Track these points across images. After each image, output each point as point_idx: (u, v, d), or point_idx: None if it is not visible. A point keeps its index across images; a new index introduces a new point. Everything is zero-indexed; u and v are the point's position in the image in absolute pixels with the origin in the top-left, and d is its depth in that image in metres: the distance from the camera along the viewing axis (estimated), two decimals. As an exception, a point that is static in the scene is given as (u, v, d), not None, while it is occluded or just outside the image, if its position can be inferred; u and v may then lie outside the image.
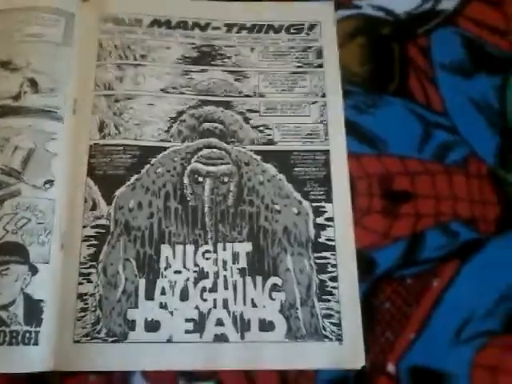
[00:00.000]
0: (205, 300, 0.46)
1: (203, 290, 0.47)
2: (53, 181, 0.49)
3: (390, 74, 0.55)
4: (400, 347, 0.46)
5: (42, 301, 0.45)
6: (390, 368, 0.46)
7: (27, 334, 0.44)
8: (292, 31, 0.56)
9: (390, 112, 0.53)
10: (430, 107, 0.54)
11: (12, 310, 0.45)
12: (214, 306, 0.46)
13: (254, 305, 0.47)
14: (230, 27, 0.56)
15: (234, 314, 0.46)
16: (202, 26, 0.55)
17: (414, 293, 0.48)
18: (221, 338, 0.46)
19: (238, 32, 0.55)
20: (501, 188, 0.51)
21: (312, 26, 0.56)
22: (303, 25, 0.56)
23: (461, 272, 0.48)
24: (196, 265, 0.47)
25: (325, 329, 0.46)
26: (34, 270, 0.46)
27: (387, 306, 0.47)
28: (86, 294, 0.46)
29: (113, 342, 0.45)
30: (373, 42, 0.56)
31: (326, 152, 0.51)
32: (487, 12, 0.58)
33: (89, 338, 0.45)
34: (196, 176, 0.50)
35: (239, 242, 0.48)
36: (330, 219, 0.49)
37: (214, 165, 0.50)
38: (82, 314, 0.46)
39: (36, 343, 0.44)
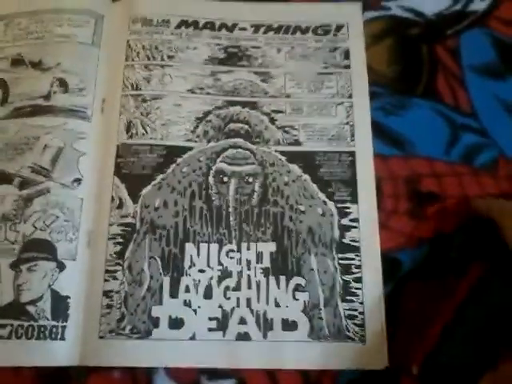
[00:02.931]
0: (228, 299, 0.47)
1: (227, 288, 0.47)
2: (81, 179, 0.50)
3: (418, 76, 0.55)
4: (424, 349, 0.46)
5: (68, 297, 0.46)
6: (414, 370, 0.45)
7: (54, 329, 0.45)
8: (319, 32, 0.56)
9: (417, 114, 0.53)
10: (458, 109, 0.53)
11: (40, 305, 0.46)
12: (238, 305, 0.46)
13: (277, 304, 0.47)
14: (256, 28, 0.56)
15: (257, 313, 0.46)
16: (228, 27, 0.56)
17: (439, 295, 0.47)
18: (243, 337, 0.46)
19: (264, 33, 0.56)
20: (530, 190, 0.50)
21: (339, 27, 0.56)
22: (330, 26, 0.56)
23: (487, 274, 0.47)
24: (220, 264, 0.48)
25: (348, 329, 0.46)
26: (61, 267, 0.47)
27: (412, 308, 0.47)
28: (111, 291, 0.47)
29: (137, 338, 0.45)
30: (401, 43, 0.56)
31: (352, 153, 0.51)
32: (518, 12, 0.57)
33: (114, 334, 0.46)
34: (221, 176, 0.50)
35: (263, 241, 0.48)
36: (355, 220, 0.49)
37: (238, 165, 0.51)
38: (108, 310, 0.46)
39: (62, 338, 0.45)
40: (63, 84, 0.52)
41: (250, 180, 0.50)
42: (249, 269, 0.48)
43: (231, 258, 0.48)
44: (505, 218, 0.45)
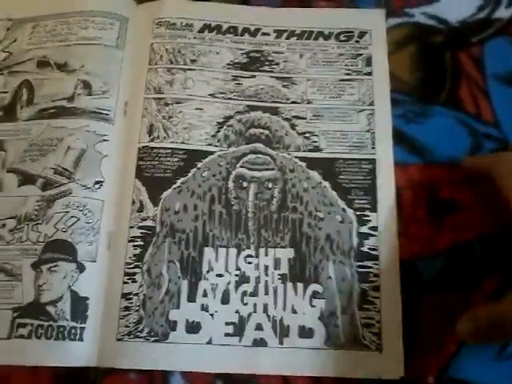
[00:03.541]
0: (245, 304, 0.47)
1: (244, 294, 0.47)
2: (102, 181, 0.50)
3: (441, 84, 0.54)
4: (441, 359, 0.46)
5: (87, 298, 0.47)
6: (430, 380, 0.45)
7: (73, 330, 0.46)
8: (342, 38, 0.55)
9: (438, 122, 0.53)
10: (480, 118, 0.53)
11: (60, 305, 0.46)
12: (254, 311, 0.47)
13: (293, 311, 0.47)
14: (279, 33, 0.56)
15: (273, 319, 0.46)
16: (251, 32, 0.56)
17: (457, 305, 0.46)
18: (260, 343, 0.46)
19: (287, 38, 0.56)
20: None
21: (362, 34, 0.55)
22: (353, 32, 0.56)
23: (506, 285, 0.47)
24: (238, 269, 0.48)
25: (364, 338, 0.46)
26: (81, 268, 0.47)
27: (429, 318, 0.47)
28: (130, 294, 0.47)
29: (154, 341, 0.46)
30: (423, 51, 0.55)
31: (372, 161, 0.51)
32: (544, 20, 0.56)
33: (131, 337, 0.46)
34: (241, 181, 0.50)
35: (281, 247, 0.48)
36: (374, 228, 0.49)
37: (258, 170, 0.51)
38: (126, 312, 0.47)
39: (81, 339, 0.46)
40: (87, 86, 0.53)
41: (270, 186, 0.50)
42: (266, 274, 0.48)
43: (249, 263, 0.48)
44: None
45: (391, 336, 0.46)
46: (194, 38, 0.55)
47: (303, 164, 0.51)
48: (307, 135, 0.52)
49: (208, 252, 0.48)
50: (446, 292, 0.47)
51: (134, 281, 0.47)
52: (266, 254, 0.48)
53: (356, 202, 0.50)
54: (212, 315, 0.47)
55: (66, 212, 0.49)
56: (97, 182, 0.50)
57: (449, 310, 0.46)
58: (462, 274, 0.48)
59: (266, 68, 0.54)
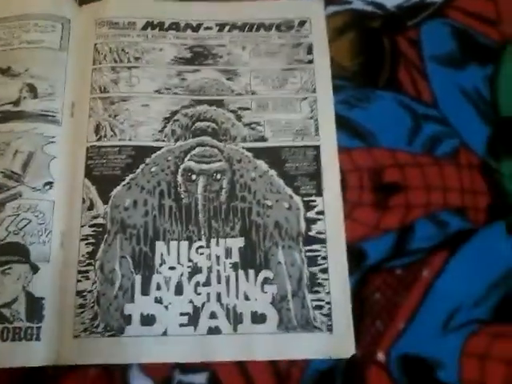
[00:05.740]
0: (199, 294, 0.48)
1: (197, 284, 0.48)
2: (52, 182, 0.50)
3: (380, 68, 0.55)
4: (390, 336, 0.47)
5: (42, 298, 0.47)
6: (380, 357, 0.46)
7: (29, 330, 0.46)
8: (282, 29, 0.56)
9: (379, 106, 0.54)
10: (420, 100, 0.54)
11: (14, 307, 0.47)
12: (208, 300, 0.48)
13: (246, 298, 0.48)
14: (221, 27, 0.56)
15: (227, 307, 0.47)
16: (194, 27, 0.56)
17: (403, 283, 0.48)
18: (214, 331, 0.47)
19: (229, 31, 0.56)
20: (491, 178, 0.51)
21: (302, 23, 0.56)
22: (293, 22, 0.57)
23: (451, 261, 0.49)
24: (190, 260, 0.49)
25: (315, 320, 0.47)
26: (35, 269, 0.48)
27: (377, 297, 0.48)
28: (84, 291, 0.48)
29: (110, 336, 0.46)
30: (363, 37, 0.57)
31: (317, 147, 0.52)
32: (477, 2, 0.58)
33: (87, 333, 0.46)
34: (189, 174, 0.51)
35: (232, 237, 0.49)
36: (321, 213, 0.50)
37: (206, 163, 0.52)
38: (81, 309, 0.47)
39: (38, 339, 0.46)
40: (32, 89, 0.53)
41: (218, 177, 0.51)
42: (218, 264, 0.49)
43: (201, 254, 0.49)
44: None
45: (341, 316, 0.47)
46: (138, 35, 0.56)
47: (250, 154, 0.52)
48: (253, 126, 0.53)
49: (159, 246, 0.49)
50: (393, 271, 0.49)
51: (88, 278, 0.48)
52: (217, 244, 0.49)
53: (302, 188, 0.51)
54: (166, 307, 0.47)
55: (17, 215, 0.49)
56: (46, 184, 0.50)
57: (396, 289, 0.48)
58: (408, 253, 0.49)
59: (210, 61, 0.55)
